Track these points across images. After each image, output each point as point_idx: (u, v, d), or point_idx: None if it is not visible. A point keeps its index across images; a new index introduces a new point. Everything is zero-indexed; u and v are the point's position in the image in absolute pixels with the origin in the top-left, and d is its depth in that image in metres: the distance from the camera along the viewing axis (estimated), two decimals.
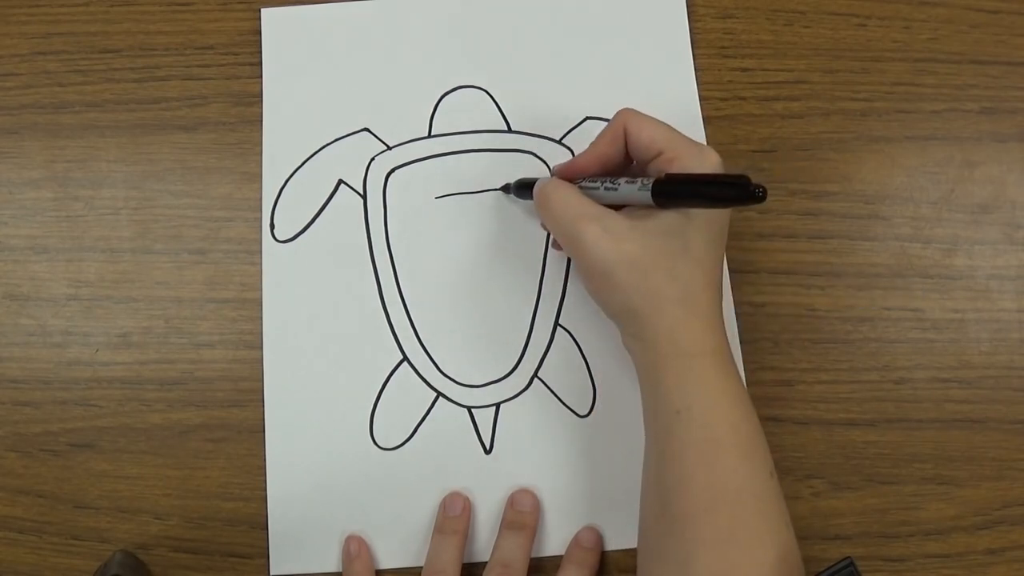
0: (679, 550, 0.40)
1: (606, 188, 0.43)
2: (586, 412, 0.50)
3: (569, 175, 0.46)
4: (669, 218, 0.41)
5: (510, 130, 0.53)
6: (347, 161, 0.53)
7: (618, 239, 0.41)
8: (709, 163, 0.42)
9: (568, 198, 0.43)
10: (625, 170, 0.46)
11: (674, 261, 0.41)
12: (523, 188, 0.50)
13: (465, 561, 0.48)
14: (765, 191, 0.37)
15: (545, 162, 0.53)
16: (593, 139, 0.45)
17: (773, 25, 0.55)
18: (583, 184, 0.45)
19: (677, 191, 0.41)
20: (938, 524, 0.49)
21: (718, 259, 0.43)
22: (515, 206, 0.52)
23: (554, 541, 0.49)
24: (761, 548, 0.40)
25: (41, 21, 0.55)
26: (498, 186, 0.52)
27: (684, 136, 0.43)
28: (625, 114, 0.44)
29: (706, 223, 0.42)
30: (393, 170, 0.53)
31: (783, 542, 0.40)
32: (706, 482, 0.40)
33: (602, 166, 0.45)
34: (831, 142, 0.53)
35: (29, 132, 0.53)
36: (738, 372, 0.43)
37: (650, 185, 0.41)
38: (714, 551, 0.39)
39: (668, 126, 0.43)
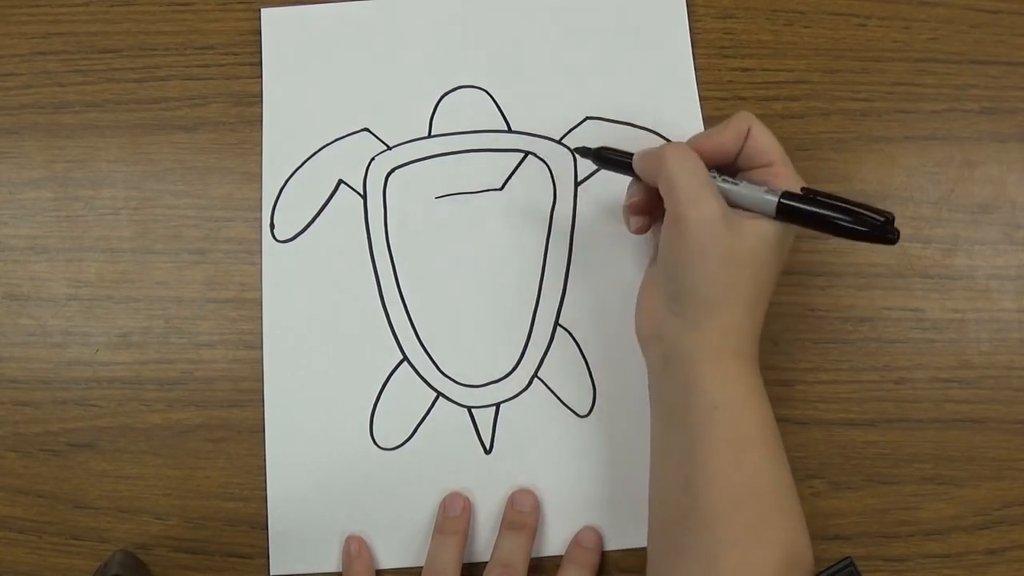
0: (704, 548, 0.40)
1: (724, 180, 0.43)
2: (586, 412, 0.50)
3: None
4: (774, 229, 0.42)
5: (510, 130, 0.53)
6: (347, 161, 0.53)
7: (731, 223, 0.41)
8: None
9: (695, 161, 0.42)
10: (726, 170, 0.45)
11: (763, 269, 0.42)
12: (610, 160, 0.47)
13: (465, 561, 0.48)
14: (898, 235, 0.38)
15: (545, 162, 0.53)
16: (707, 131, 0.45)
17: (773, 25, 0.55)
18: None
19: (804, 209, 0.41)
20: (938, 524, 0.49)
21: (779, 276, 0.44)
22: (515, 206, 0.52)
23: (554, 541, 0.49)
24: (783, 548, 0.40)
25: (41, 21, 0.55)
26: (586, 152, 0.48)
27: (788, 158, 0.44)
28: (748, 116, 0.44)
29: (791, 238, 0.43)
30: (393, 170, 0.53)
31: (801, 540, 0.41)
32: (737, 479, 0.40)
33: (716, 158, 0.44)
34: (831, 142, 0.53)
35: (29, 132, 0.53)
36: (763, 381, 0.43)
37: (778, 194, 0.41)
38: (741, 549, 0.39)
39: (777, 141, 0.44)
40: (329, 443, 0.49)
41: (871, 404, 0.50)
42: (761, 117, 0.53)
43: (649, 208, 0.47)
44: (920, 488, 0.49)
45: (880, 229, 0.40)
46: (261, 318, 0.51)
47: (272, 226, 0.52)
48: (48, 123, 0.54)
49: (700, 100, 0.54)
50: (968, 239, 0.52)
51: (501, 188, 0.52)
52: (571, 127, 0.53)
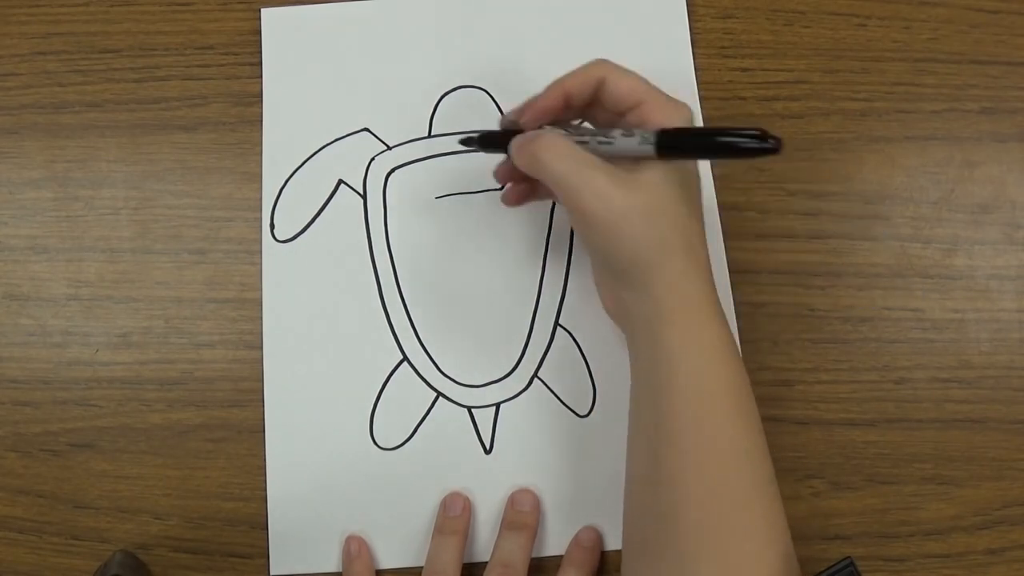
0: (665, 507, 0.40)
1: (599, 142, 0.42)
2: (586, 412, 0.50)
3: (533, 117, 0.44)
4: (668, 169, 0.41)
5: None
6: (347, 161, 0.53)
7: (626, 187, 0.40)
8: (682, 116, 0.42)
9: (566, 147, 0.42)
10: (585, 121, 0.45)
11: (677, 211, 0.41)
12: (489, 142, 0.47)
13: (465, 561, 0.48)
14: (780, 142, 0.37)
15: None
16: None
17: (773, 25, 0.55)
18: (568, 134, 0.44)
19: (686, 143, 0.40)
20: (938, 524, 0.49)
21: (702, 214, 0.44)
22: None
23: (554, 541, 0.49)
24: (747, 507, 0.40)
25: (41, 21, 0.55)
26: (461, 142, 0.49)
27: (658, 89, 0.43)
28: (603, 64, 0.43)
29: (694, 172, 0.42)
30: (393, 170, 0.53)
31: (768, 501, 0.41)
32: (697, 439, 0.40)
33: (565, 106, 0.44)
34: (831, 142, 0.53)
35: (29, 132, 0.53)
36: (729, 327, 0.43)
37: (653, 137, 0.40)
38: (702, 507, 0.40)
39: (643, 78, 0.43)
40: (329, 443, 0.49)
41: (871, 404, 0.50)
42: (761, 117, 0.53)
43: (514, 177, 0.47)
44: (920, 488, 0.49)
45: (760, 139, 0.38)
46: (261, 318, 0.51)
47: (272, 226, 0.52)
48: (48, 123, 0.54)
49: (700, 100, 0.54)
50: (968, 239, 0.52)
51: (501, 188, 0.52)
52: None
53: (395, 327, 0.51)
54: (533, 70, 0.54)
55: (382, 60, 0.54)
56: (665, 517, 0.40)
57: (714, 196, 0.52)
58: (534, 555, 0.48)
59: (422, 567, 0.48)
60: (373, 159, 0.53)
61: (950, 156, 0.53)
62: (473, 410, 0.50)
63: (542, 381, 0.50)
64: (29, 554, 0.49)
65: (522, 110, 0.45)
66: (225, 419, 0.50)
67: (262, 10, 0.55)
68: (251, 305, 0.51)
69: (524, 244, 0.52)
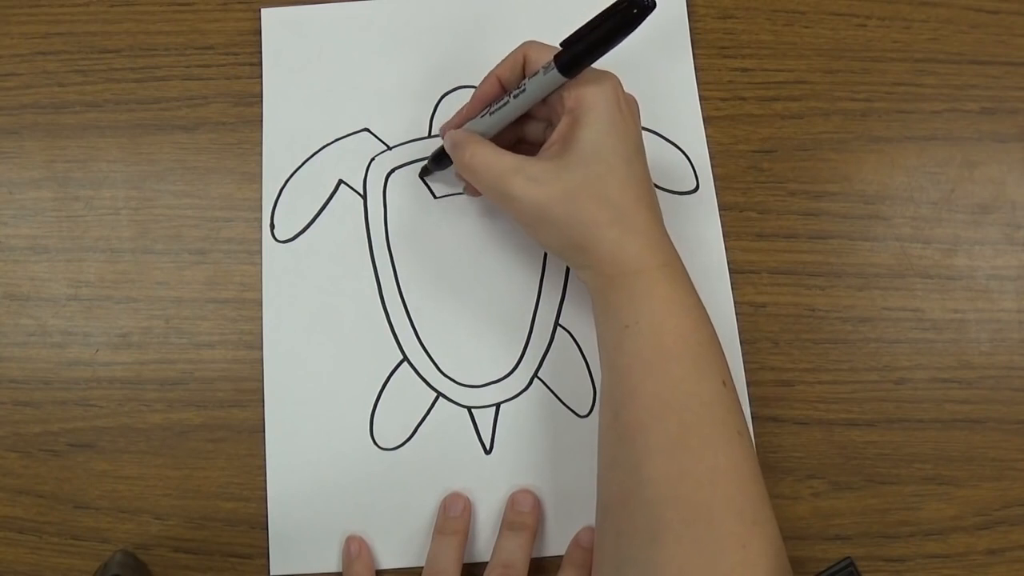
0: (630, 458, 0.41)
1: (515, 95, 0.45)
2: (586, 412, 0.50)
3: (470, 109, 0.48)
4: (585, 147, 0.43)
5: None
6: (347, 161, 0.53)
7: (542, 183, 0.43)
8: (609, 82, 0.44)
9: (486, 157, 0.45)
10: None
11: (601, 186, 0.43)
12: (439, 159, 0.50)
13: (465, 561, 0.48)
14: (653, 2, 0.39)
15: None
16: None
17: (773, 25, 0.55)
18: (490, 109, 0.46)
19: (580, 49, 0.42)
20: (938, 524, 0.49)
21: (644, 175, 0.45)
22: None
23: (554, 541, 0.49)
24: (712, 454, 0.40)
25: (41, 21, 0.55)
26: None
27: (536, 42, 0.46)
28: (527, 44, 0.46)
29: (622, 140, 0.43)
30: (393, 170, 0.53)
31: (735, 450, 0.41)
32: (654, 391, 0.41)
33: (501, 91, 0.47)
34: (831, 142, 0.53)
35: (29, 132, 0.53)
36: (691, 285, 0.44)
37: (553, 62, 0.42)
38: (664, 457, 0.40)
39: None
40: (329, 443, 0.49)
41: (871, 404, 0.50)
42: (761, 117, 0.53)
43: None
44: (920, 488, 0.49)
45: (633, 4, 0.40)
46: (261, 318, 0.51)
47: (272, 226, 0.52)
48: (48, 123, 0.54)
49: (700, 100, 0.54)
50: (968, 239, 0.52)
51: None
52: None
53: (395, 327, 0.51)
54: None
55: (382, 60, 0.54)
56: (632, 469, 0.41)
57: (714, 196, 0.52)
58: (534, 555, 0.48)
59: (422, 567, 0.48)
60: (373, 159, 0.53)
61: (950, 156, 0.53)
62: (473, 410, 0.50)
63: (542, 381, 0.50)
64: (29, 554, 0.49)
65: (452, 118, 0.49)
66: (225, 419, 0.50)
67: (262, 10, 0.55)
68: (251, 305, 0.51)
69: (524, 244, 0.52)
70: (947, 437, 0.50)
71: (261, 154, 0.53)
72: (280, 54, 0.54)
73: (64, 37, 0.55)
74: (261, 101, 0.54)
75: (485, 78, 0.47)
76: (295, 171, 0.53)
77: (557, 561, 0.48)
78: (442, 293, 0.51)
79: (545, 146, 0.45)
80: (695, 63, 0.54)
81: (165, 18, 0.55)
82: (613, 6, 0.40)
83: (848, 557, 0.48)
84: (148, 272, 0.52)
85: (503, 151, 0.45)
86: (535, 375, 0.50)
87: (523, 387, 0.50)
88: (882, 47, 0.54)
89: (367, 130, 0.53)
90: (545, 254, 0.52)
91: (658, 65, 0.54)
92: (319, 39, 0.55)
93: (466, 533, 0.48)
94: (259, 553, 0.49)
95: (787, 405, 0.50)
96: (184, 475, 0.49)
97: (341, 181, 0.53)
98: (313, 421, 0.50)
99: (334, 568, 0.48)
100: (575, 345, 0.51)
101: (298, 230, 0.52)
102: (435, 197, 0.53)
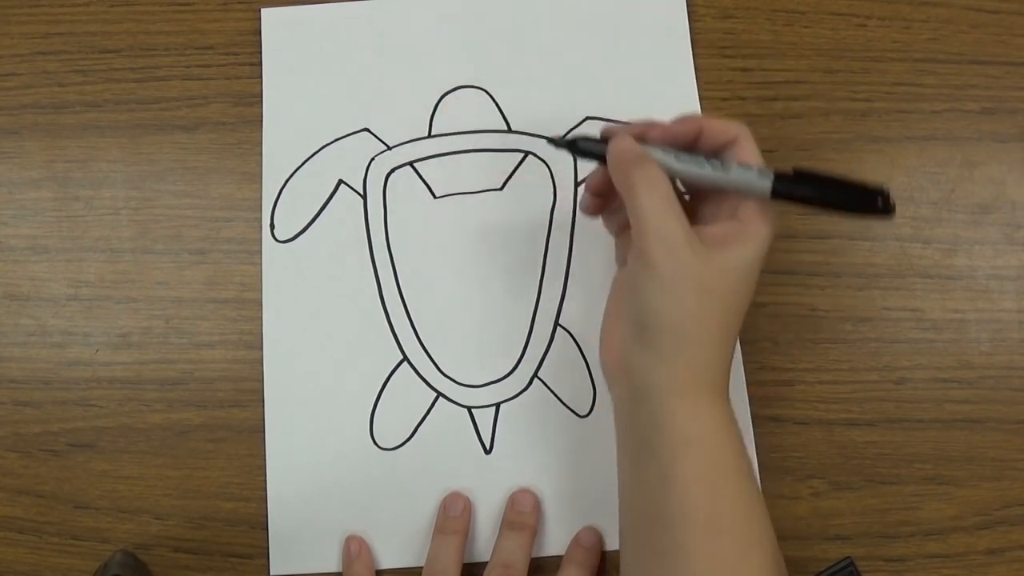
0: (669, 546, 0.40)
1: (713, 168, 0.41)
2: (586, 412, 0.50)
3: (661, 135, 0.43)
4: (744, 254, 0.40)
5: (510, 130, 0.53)
6: (347, 161, 0.53)
7: (700, 255, 0.40)
8: (772, 228, 0.42)
9: (663, 187, 0.40)
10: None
11: (733, 300, 0.41)
12: (585, 150, 0.44)
13: (465, 561, 0.48)
14: (894, 208, 0.38)
15: (545, 162, 0.52)
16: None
17: (773, 25, 0.55)
18: (682, 157, 0.42)
19: (800, 189, 0.40)
20: (938, 524, 0.49)
21: (746, 309, 0.42)
22: (515, 206, 0.52)
23: (554, 541, 0.49)
24: (763, 572, 0.40)
25: (41, 21, 0.55)
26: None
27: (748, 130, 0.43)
28: (742, 127, 0.43)
29: (755, 274, 0.41)
30: (393, 170, 0.53)
31: (776, 561, 0.40)
32: (713, 512, 0.39)
33: (693, 141, 0.43)
34: (831, 142, 0.53)
35: (29, 132, 0.53)
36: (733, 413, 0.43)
37: (771, 175, 0.40)
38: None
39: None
40: (329, 443, 0.49)
41: (871, 404, 0.50)
42: (761, 117, 0.53)
43: (607, 191, 0.44)
44: (920, 488, 0.49)
45: (873, 205, 0.39)
46: (261, 318, 0.51)
47: (272, 226, 0.52)
48: (48, 123, 0.54)
49: (700, 100, 0.54)
50: (968, 239, 0.52)
51: (501, 188, 0.52)
52: (571, 127, 0.53)
53: (395, 327, 0.51)
54: (533, 70, 0.54)
55: (382, 60, 0.54)
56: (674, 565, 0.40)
57: None
58: (534, 555, 0.48)
59: (422, 567, 0.48)
60: (373, 159, 0.53)
61: (950, 156, 0.53)
62: (473, 410, 0.50)
63: (542, 381, 0.50)
64: (29, 554, 0.49)
65: (652, 124, 0.43)
66: (225, 419, 0.50)
67: (262, 10, 0.55)
68: (251, 305, 0.51)
69: (524, 244, 0.52)
70: (947, 437, 0.50)
71: (261, 154, 0.53)
72: (280, 54, 0.54)
73: (64, 37, 0.55)
74: (261, 101, 0.54)
75: (691, 118, 0.43)
76: (295, 171, 0.53)
77: (557, 561, 0.48)
78: (442, 293, 0.51)
79: (707, 231, 0.41)
80: (695, 63, 0.54)
81: (165, 18, 0.55)
82: (865, 185, 0.39)
83: (848, 557, 0.48)
84: (148, 272, 0.52)
85: (680, 210, 0.41)
86: (535, 375, 0.50)
87: (523, 387, 0.50)
88: (882, 47, 0.54)
89: (367, 130, 0.53)
90: (545, 254, 0.52)
91: (658, 65, 0.54)
92: (319, 39, 0.55)
93: (466, 533, 0.48)
94: (259, 553, 0.49)
95: (787, 405, 0.50)
96: (184, 475, 0.49)
97: (341, 181, 0.53)
98: (313, 421, 0.50)
99: (334, 568, 0.48)
100: (575, 345, 0.51)
101: (298, 230, 0.52)
102: (435, 197, 0.53)
